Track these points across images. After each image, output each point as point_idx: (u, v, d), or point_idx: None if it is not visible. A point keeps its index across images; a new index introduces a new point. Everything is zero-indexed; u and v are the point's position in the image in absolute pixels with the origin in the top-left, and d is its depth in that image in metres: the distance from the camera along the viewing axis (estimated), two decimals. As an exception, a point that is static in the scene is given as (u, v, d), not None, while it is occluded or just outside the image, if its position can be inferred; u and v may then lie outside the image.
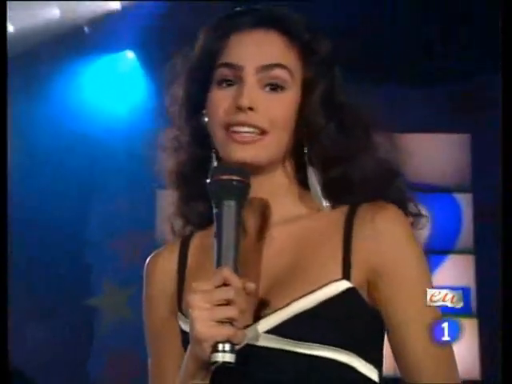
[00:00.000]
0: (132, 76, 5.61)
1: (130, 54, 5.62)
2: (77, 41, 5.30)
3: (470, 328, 5.32)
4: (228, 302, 1.32)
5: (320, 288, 1.41)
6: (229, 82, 1.50)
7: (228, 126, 1.47)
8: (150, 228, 5.01)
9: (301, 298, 1.41)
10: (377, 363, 1.45)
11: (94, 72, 5.56)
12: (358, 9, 5.13)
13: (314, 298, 1.41)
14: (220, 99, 1.50)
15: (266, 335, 1.41)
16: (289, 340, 1.40)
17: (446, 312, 5.15)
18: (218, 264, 1.35)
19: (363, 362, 1.42)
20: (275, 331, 1.41)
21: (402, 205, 1.50)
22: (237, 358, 1.32)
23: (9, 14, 5.21)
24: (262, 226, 1.52)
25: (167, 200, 1.61)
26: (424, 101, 5.49)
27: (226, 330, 1.31)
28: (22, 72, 5.14)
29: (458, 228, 5.56)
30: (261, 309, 1.44)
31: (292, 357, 1.40)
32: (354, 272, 1.43)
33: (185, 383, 1.40)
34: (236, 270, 1.35)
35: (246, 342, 1.37)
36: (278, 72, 1.49)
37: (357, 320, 1.42)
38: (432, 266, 5.54)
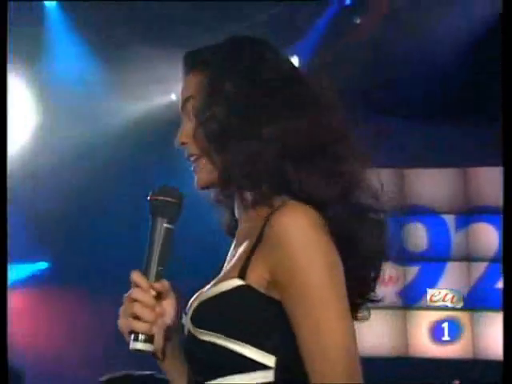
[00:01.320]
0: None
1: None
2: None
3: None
4: (135, 300, 1.52)
5: (220, 283, 1.53)
6: None
7: None
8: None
9: (207, 291, 1.55)
10: (273, 350, 1.48)
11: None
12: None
13: (212, 291, 1.53)
14: None
15: (190, 322, 1.56)
16: (194, 328, 1.53)
17: (490, 307, 6.61)
18: (144, 270, 1.54)
19: (253, 349, 1.47)
20: (191, 319, 1.55)
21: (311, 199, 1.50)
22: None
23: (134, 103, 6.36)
24: (239, 227, 1.65)
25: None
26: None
27: (129, 322, 1.52)
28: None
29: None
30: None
31: (193, 341, 1.54)
32: (250, 272, 1.49)
33: None
34: (158, 276, 1.53)
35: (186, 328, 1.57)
36: (191, 103, 1.61)
37: (245, 313, 1.49)
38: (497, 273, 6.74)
